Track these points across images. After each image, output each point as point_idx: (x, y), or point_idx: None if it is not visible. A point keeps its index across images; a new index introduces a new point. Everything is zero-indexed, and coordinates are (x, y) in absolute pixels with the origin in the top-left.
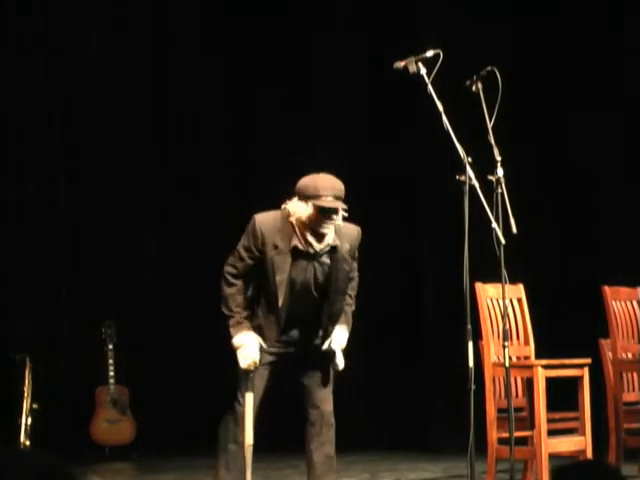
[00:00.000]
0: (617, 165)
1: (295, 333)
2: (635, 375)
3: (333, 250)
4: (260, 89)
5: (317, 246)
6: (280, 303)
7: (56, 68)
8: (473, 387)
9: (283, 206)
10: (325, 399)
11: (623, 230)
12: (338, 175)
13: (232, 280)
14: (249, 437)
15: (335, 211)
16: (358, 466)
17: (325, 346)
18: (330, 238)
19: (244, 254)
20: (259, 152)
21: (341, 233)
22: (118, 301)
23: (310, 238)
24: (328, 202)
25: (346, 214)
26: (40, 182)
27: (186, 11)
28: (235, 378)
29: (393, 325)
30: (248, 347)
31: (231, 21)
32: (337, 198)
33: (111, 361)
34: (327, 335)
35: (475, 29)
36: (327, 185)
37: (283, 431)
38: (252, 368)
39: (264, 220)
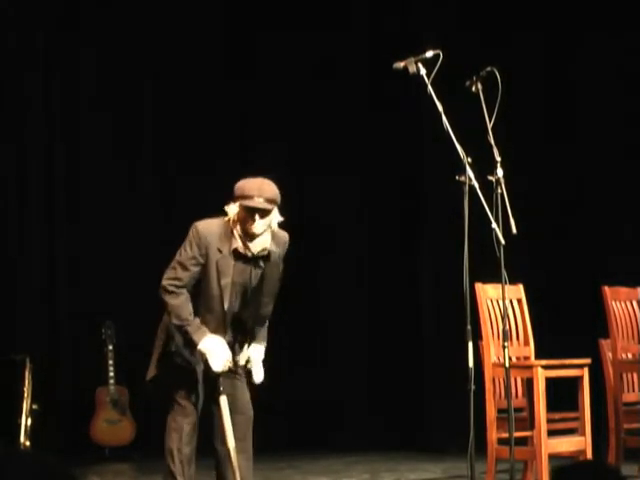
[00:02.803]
0: (617, 165)
1: (231, 338)
2: (635, 375)
3: (268, 254)
4: (259, 91)
5: (253, 248)
6: (226, 307)
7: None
8: (473, 387)
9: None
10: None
11: (623, 230)
12: (338, 175)
13: (178, 290)
14: (231, 440)
15: (261, 212)
16: (358, 466)
17: (242, 362)
18: (267, 242)
19: (189, 263)
20: (259, 153)
21: (275, 238)
22: (118, 302)
23: (244, 239)
24: (254, 202)
25: (281, 218)
26: (39, 184)
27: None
28: (169, 390)
29: (393, 326)
30: (218, 349)
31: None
32: (267, 200)
33: (111, 362)
34: (251, 338)
35: (475, 29)
36: (255, 187)
37: (282, 432)
38: (227, 369)
39: (206, 226)
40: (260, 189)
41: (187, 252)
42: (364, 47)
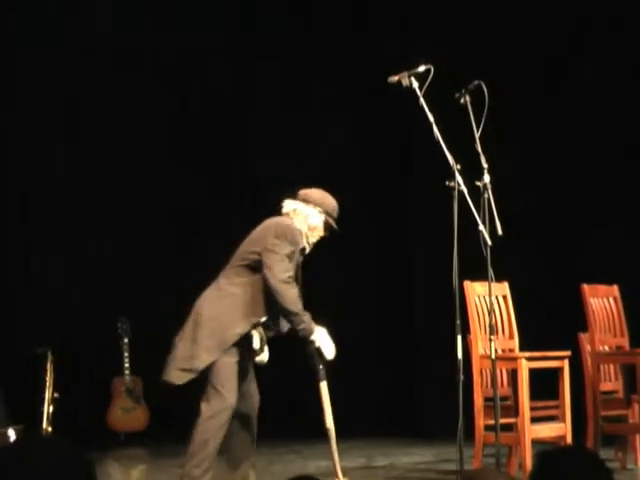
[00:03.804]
0: (602, 165)
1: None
2: (612, 366)
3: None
4: (260, 91)
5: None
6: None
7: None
8: (462, 378)
9: (293, 207)
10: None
11: (602, 232)
12: (336, 178)
13: (292, 281)
14: (330, 422)
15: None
16: (355, 451)
17: (257, 346)
18: None
19: (291, 257)
20: (262, 158)
21: None
22: (132, 299)
23: (311, 241)
24: (336, 226)
25: None
26: (47, 184)
27: None
28: (209, 377)
29: (388, 321)
30: (328, 338)
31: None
32: None
33: (126, 354)
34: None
35: (468, 40)
36: (337, 209)
37: (285, 417)
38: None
39: (295, 228)
40: (338, 210)
41: (286, 247)
42: (363, 51)
